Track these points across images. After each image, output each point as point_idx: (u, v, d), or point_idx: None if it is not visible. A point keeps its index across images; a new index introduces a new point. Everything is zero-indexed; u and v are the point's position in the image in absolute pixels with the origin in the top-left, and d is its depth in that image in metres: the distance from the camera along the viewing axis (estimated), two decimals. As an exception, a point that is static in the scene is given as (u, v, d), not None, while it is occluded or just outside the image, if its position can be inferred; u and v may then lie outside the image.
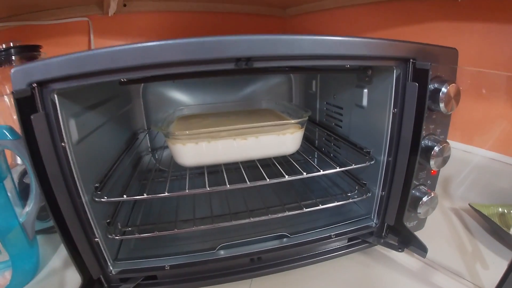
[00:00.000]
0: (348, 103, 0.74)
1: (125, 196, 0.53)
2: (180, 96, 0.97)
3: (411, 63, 0.53)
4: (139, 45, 0.41)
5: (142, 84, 0.93)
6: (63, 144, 0.45)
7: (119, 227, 0.61)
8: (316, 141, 0.96)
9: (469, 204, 0.77)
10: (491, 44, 0.76)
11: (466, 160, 0.84)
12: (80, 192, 0.49)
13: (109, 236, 0.56)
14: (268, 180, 0.58)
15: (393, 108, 0.56)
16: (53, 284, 0.61)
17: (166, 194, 0.53)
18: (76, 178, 0.48)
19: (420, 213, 0.61)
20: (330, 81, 0.85)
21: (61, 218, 0.47)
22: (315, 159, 0.91)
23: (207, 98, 0.99)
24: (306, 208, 0.60)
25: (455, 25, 0.82)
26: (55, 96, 0.44)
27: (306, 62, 0.49)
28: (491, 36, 0.76)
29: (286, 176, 0.58)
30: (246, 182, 0.58)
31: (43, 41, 0.89)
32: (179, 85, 0.97)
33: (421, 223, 0.68)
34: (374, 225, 0.65)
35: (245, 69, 0.45)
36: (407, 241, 0.60)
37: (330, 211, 0.70)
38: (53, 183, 0.45)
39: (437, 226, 0.75)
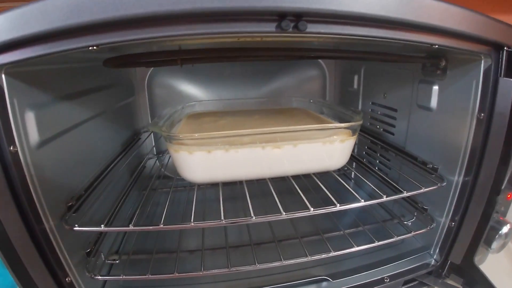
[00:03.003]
0: (406, 104, 0.60)
1: (102, 226, 0.37)
2: (192, 89, 0.82)
3: (505, 51, 0.40)
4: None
5: (148, 73, 0.78)
6: (12, 148, 0.33)
7: (103, 258, 0.45)
8: (356, 148, 0.79)
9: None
10: None
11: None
12: (41, 215, 0.36)
13: (87, 273, 0.42)
14: (312, 210, 0.40)
15: (479, 113, 0.43)
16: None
17: (162, 226, 0.37)
18: (34, 197, 0.35)
19: (493, 248, 0.49)
20: (379, 75, 0.68)
21: (14, 253, 0.35)
22: (353, 171, 0.74)
23: (224, 92, 0.83)
24: (357, 246, 0.44)
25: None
26: (2, 76, 0.31)
27: (379, 32, 0.33)
28: None
29: (338, 205, 0.40)
30: (280, 212, 0.40)
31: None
32: (192, 76, 0.81)
33: (484, 257, 0.54)
34: (434, 262, 0.53)
35: (291, 35, 0.29)
36: (474, 283, 0.50)
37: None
38: (-4, 204, 0.32)
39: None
